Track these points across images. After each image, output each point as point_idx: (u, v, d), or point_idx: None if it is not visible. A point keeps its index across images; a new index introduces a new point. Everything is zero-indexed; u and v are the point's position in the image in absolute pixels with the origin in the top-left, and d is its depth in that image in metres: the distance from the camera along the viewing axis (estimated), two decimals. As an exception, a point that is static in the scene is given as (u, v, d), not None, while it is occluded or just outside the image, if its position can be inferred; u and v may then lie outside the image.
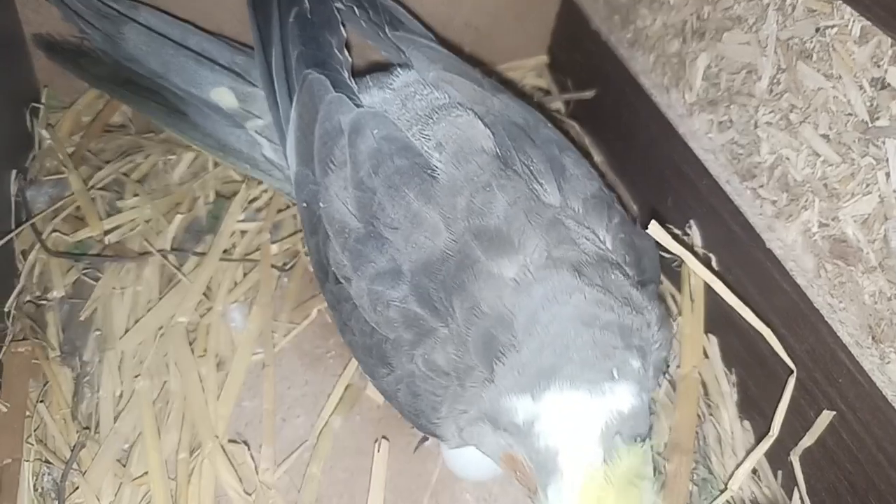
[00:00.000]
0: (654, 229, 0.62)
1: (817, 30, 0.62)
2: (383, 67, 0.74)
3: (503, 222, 0.56)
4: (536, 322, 0.52)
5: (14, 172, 0.82)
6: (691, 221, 0.79)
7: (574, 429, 0.49)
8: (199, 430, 0.70)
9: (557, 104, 1.02)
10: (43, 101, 0.91)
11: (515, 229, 0.55)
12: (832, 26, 0.61)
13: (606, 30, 0.94)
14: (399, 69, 0.72)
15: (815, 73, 0.63)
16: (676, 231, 0.80)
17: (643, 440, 0.50)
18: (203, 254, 0.82)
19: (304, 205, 0.66)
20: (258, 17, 0.75)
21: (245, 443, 0.72)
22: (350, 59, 0.71)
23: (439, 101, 0.66)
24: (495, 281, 0.54)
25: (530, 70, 1.07)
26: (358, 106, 0.66)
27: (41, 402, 0.70)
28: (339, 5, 0.75)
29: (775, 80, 0.68)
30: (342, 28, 0.73)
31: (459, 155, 0.59)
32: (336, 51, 0.70)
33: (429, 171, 0.59)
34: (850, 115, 0.60)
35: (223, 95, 0.78)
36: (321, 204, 0.63)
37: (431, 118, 0.63)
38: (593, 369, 0.50)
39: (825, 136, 0.63)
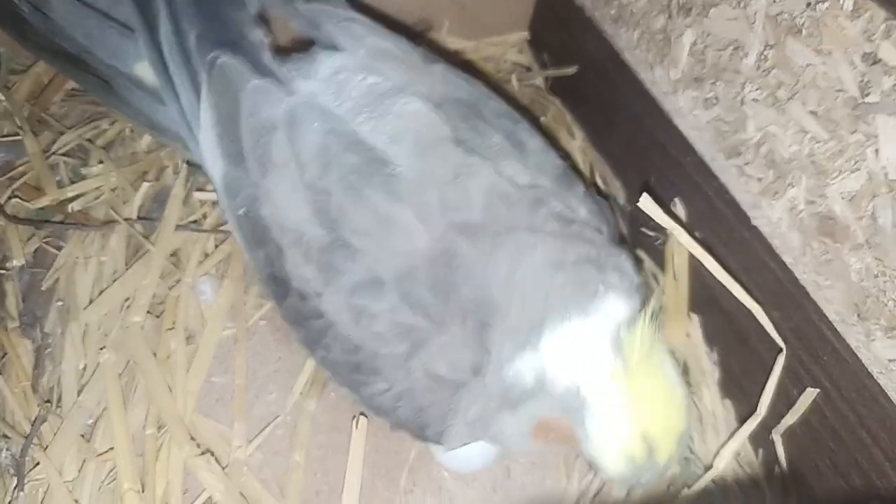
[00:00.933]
0: (645, 202, 0.61)
1: (808, 4, 0.61)
2: (299, 44, 0.65)
3: (485, 214, 0.53)
4: (512, 285, 0.51)
5: (-29, 135, 0.78)
6: (675, 199, 0.78)
7: (582, 356, 0.50)
8: (166, 405, 0.67)
9: (538, 80, 1.01)
10: (1, 62, 0.86)
11: (500, 220, 0.53)
12: (823, 0, 0.60)
13: (590, 5, 0.93)
14: (321, 54, 0.63)
15: (805, 49, 0.62)
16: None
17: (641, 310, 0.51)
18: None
19: (243, 211, 0.58)
20: None
21: (216, 419, 0.69)
22: (267, 39, 0.61)
23: (379, 86, 0.59)
24: (493, 276, 0.52)
25: (511, 46, 1.05)
26: (289, 93, 0.58)
27: (-1, 374, 0.67)
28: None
29: (763, 57, 0.67)
30: (251, 8, 0.63)
31: (418, 148, 0.55)
32: (247, 29, 0.61)
33: (389, 168, 0.54)
34: (839, 91, 0.59)
35: (146, 70, 0.68)
36: (264, 210, 0.57)
37: (377, 108, 0.57)
38: (578, 297, 0.51)
39: (813, 113, 0.62)
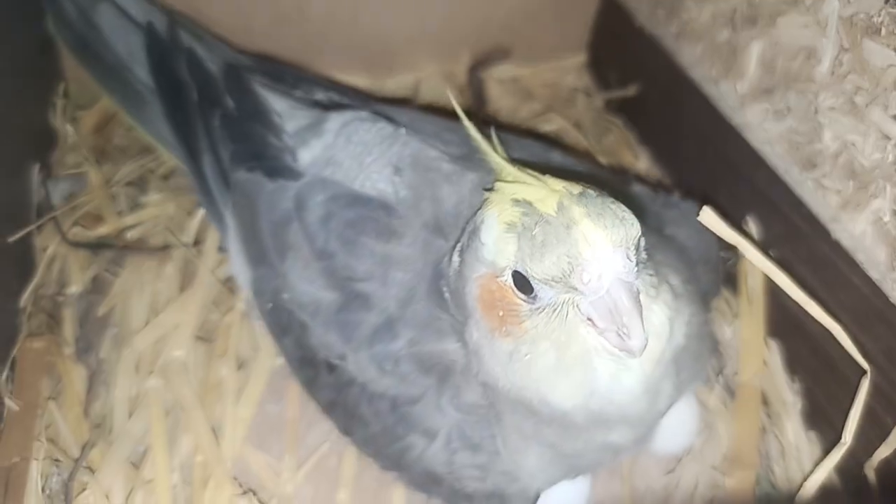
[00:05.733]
0: (707, 217, 0.57)
1: (886, 1, 0.57)
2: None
3: (457, 204, 0.54)
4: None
5: (37, 166, 0.80)
6: (748, 217, 0.74)
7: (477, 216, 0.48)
8: (207, 443, 0.65)
9: (598, 102, 0.98)
10: (69, 96, 0.89)
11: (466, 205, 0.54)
12: (905, -5, 0.56)
13: (651, 25, 0.90)
14: (330, 112, 0.68)
15: (885, 49, 0.58)
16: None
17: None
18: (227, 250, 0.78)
19: (270, 306, 0.61)
20: (181, 130, 0.70)
21: (267, 450, 0.67)
22: (291, 143, 0.66)
23: (385, 129, 0.64)
24: None
25: (570, 70, 1.03)
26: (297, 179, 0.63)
27: (53, 399, 0.66)
28: (297, 92, 0.73)
29: (838, 62, 0.63)
30: (274, 116, 0.68)
31: (418, 166, 0.58)
32: (272, 139, 0.65)
33: (383, 207, 0.57)
34: (925, 90, 0.55)
35: None
36: (284, 295, 0.59)
37: (382, 144, 0.62)
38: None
39: (896, 118, 0.58)
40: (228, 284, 0.77)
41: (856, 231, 0.63)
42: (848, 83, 0.62)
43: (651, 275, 0.46)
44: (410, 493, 0.63)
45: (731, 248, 0.69)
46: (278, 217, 0.60)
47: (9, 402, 0.65)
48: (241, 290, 0.66)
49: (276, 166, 0.63)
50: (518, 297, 0.45)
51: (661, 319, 0.46)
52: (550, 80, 1.01)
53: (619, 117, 0.96)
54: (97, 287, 0.76)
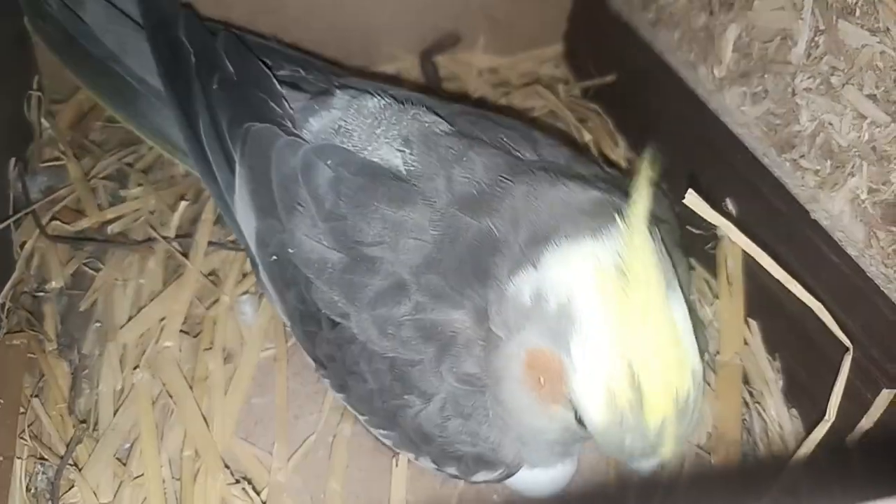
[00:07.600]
0: (692, 199, 0.57)
1: (861, -17, 0.59)
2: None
3: (485, 183, 0.54)
4: (519, 215, 0.51)
5: (13, 161, 0.79)
6: (727, 200, 0.75)
7: (579, 271, 0.45)
8: (199, 433, 0.65)
9: (576, 91, 0.99)
10: (43, 90, 0.87)
11: (497, 186, 0.54)
12: (879, -24, 0.57)
13: (627, 11, 0.91)
14: (336, 89, 0.68)
15: (859, 30, 0.59)
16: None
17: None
18: (211, 242, 0.77)
19: (274, 258, 0.61)
20: (176, 89, 0.68)
21: (255, 442, 0.67)
22: (292, 111, 0.66)
23: (393, 105, 0.64)
24: (498, 224, 0.52)
25: (547, 60, 1.04)
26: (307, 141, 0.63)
27: (36, 397, 0.66)
28: (282, 72, 0.71)
29: (813, 44, 0.64)
30: (275, 83, 0.67)
31: (428, 142, 0.58)
32: (273, 105, 0.65)
33: (395, 176, 0.57)
34: (899, 70, 0.56)
35: None
36: (290, 250, 0.59)
37: (392, 118, 0.62)
38: (587, 221, 0.48)
39: (871, 97, 0.59)
40: (212, 278, 0.76)
41: (834, 210, 0.64)
42: (824, 64, 0.63)
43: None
44: (399, 482, 0.64)
45: (711, 228, 0.70)
46: (288, 171, 0.60)
47: (-10, 401, 0.64)
48: (242, 240, 0.66)
49: (283, 128, 0.63)
50: (575, 420, 0.47)
51: None
52: (528, 69, 1.02)
53: (597, 105, 0.96)
54: (78, 282, 0.75)
